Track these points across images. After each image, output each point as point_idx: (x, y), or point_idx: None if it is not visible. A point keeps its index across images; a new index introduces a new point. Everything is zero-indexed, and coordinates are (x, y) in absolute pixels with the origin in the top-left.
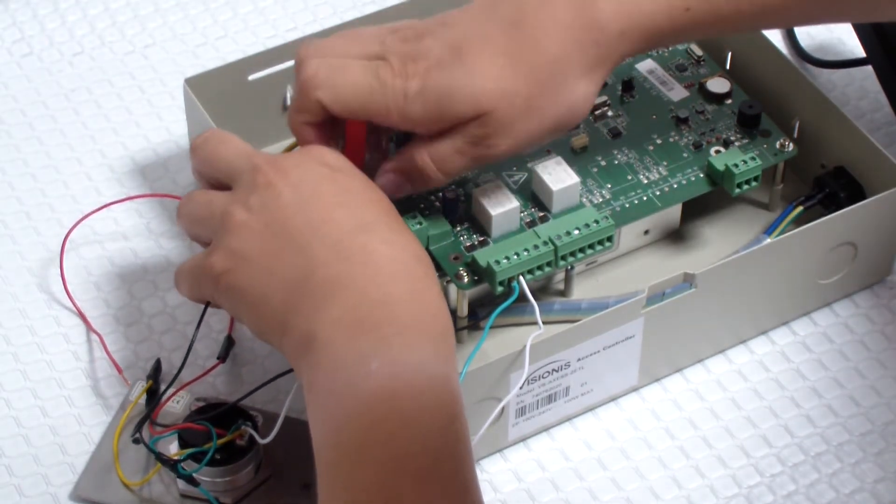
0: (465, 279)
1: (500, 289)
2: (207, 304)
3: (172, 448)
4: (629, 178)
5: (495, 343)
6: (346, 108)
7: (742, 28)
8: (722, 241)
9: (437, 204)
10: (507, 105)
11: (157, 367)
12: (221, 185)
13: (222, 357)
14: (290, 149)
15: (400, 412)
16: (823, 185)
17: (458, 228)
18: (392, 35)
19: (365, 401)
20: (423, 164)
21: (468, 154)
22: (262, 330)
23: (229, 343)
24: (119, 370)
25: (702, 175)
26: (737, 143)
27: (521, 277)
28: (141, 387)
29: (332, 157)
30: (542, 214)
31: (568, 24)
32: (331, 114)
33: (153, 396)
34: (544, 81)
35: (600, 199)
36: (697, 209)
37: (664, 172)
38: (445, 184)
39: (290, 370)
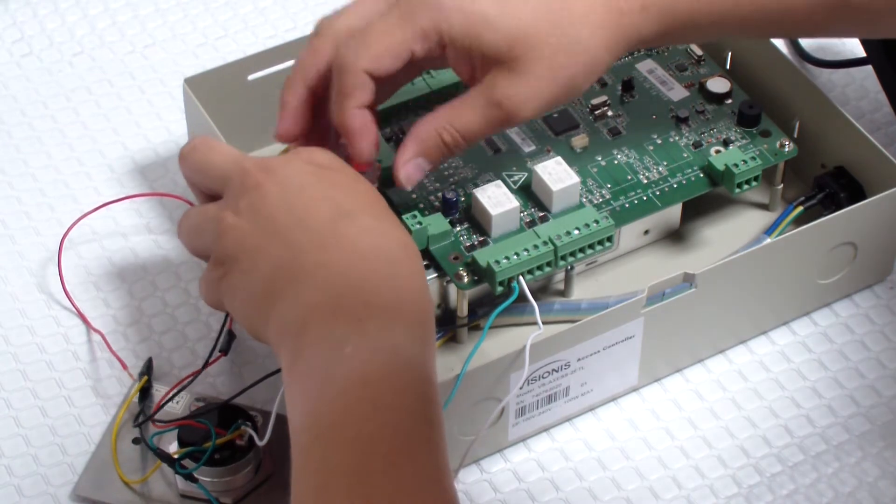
0: (465, 279)
1: (499, 289)
2: (228, 313)
3: (172, 448)
4: (629, 177)
5: (495, 343)
6: (391, 58)
7: (761, 26)
8: (722, 241)
9: (437, 204)
10: (531, 58)
11: (149, 364)
12: (213, 193)
13: (224, 350)
14: (287, 150)
15: (372, 396)
16: (823, 185)
17: (458, 228)
18: None
19: (339, 385)
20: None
21: (489, 116)
22: (250, 324)
23: (230, 337)
24: (124, 366)
25: (702, 175)
26: (737, 143)
27: (520, 277)
28: (136, 386)
29: (320, 156)
30: (542, 214)
31: None
32: (376, 81)
33: (146, 394)
34: (566, 38)
35: (600, 199)
36: (697, 209)
37: (664, 172)
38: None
39: None
